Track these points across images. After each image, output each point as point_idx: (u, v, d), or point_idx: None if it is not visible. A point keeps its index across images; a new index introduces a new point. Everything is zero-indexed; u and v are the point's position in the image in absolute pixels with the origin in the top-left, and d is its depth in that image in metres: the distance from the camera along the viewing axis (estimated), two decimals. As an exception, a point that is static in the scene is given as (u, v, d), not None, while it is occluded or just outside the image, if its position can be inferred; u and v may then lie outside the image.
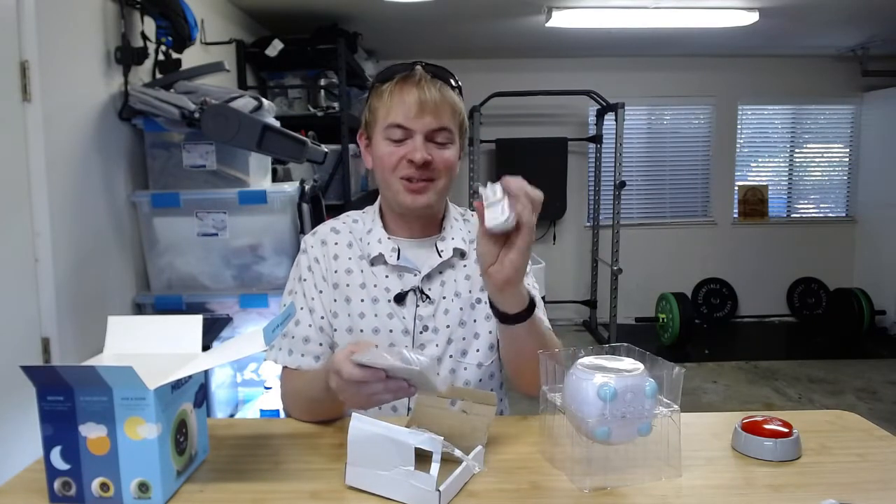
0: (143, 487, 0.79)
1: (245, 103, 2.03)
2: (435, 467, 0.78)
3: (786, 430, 0.93)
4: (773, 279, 5.51)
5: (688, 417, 0.94)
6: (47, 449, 0.79)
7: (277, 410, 2.22)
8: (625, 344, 0.91)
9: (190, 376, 0.85)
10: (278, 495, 0.83)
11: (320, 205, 2.34)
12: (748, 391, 3.91)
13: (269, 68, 3.47)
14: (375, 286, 1.17)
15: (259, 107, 2.08)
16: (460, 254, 1.20)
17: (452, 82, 1.15)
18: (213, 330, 2.06)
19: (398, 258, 1.17)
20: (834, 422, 1.06)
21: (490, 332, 1.20)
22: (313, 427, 1.04)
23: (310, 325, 1.16)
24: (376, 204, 1.25)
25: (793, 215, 5.58)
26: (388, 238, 1.19)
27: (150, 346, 0.92)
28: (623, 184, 4.49)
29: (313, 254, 1.20)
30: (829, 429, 1.03)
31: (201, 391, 0.91)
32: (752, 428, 0.94)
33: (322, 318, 1.17)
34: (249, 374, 2.40)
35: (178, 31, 2.11)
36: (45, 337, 1.72)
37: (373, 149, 1.17)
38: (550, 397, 0.89)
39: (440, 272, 1.18)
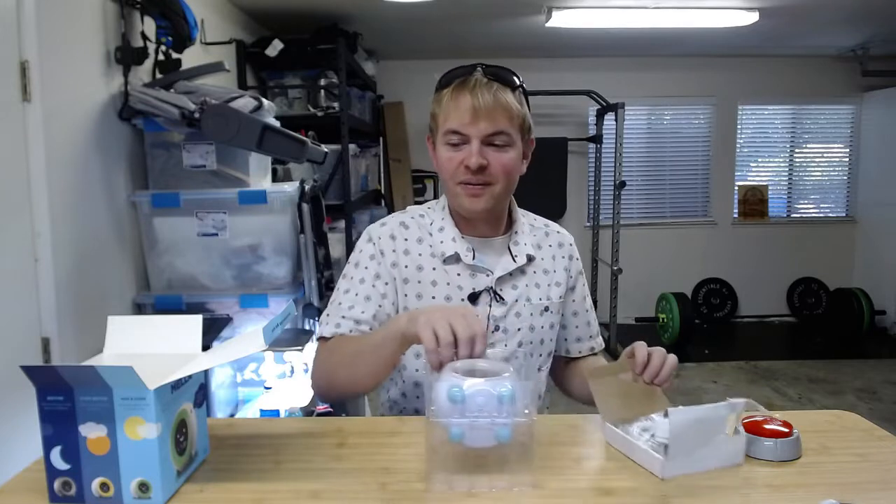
0: (143, 487, 0.79)
1: (245, 103, 2.03)
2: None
3: (786, 430, 0.93)
4: (773, 279, 5.50)
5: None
6: (47, 449, 0.79)
7: (277, 410, 2.22)
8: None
9: (190, 376, 0.85)
10: (278, 495, 0.83)
11: (320, 205, 2.34)
12: (748, 391, 3.90)
13: (269, 68, 3.47)
14: (448, 284, 1.18)
15: (259, 107, 2.08)
16: (530, 259, 1.22)
17: (514, 82, 1.17)
18: (213, 330, 2.05)
19: (473, 258, 1.18)
20: (834, 422, 1.06)
21: (551, 340, 1.25)
22: (313, 427, 1.04)
23: (363, 312, 1.16)
24: (443, 200, 1.25)
25: (793, 215, 5.58)
26: (462, 237, 1.20)
27: (150, 346, 0.92)
28: (623, 184, 4.49)
29: (380, 245, 1.20)
30: (829, 429, 1.03)
31: (201, 391, 0.91)
32: (753, 428, 0.94)
33: (380, 306, 1.17)
34: (249, 374, 2.39)
35: (178, 31, 2.11)
36: (45, 337, 1.72)
37: (437, 153, 1.18)
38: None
39: (510, 275, 1.20)
